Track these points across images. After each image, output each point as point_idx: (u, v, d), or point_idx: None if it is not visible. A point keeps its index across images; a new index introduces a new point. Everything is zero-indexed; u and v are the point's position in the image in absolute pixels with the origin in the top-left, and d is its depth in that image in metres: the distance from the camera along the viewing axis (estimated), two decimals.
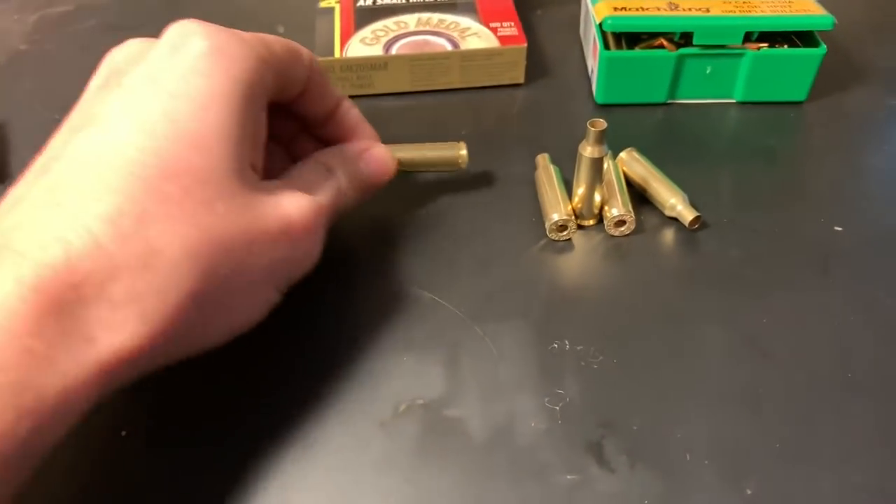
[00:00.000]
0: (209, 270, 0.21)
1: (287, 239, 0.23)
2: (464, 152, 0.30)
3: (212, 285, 0.21)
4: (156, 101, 0.21)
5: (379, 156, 0.29)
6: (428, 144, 0.31)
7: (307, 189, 0.25)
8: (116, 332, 0.19)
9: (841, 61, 0.39)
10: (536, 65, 0.39)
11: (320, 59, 0.36)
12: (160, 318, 0.20)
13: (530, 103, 0.37)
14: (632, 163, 0.32)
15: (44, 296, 0.18)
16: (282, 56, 0.25)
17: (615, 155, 0.32)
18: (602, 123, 0.28)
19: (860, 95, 0.37)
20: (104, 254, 0.19)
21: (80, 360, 0.18)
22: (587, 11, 0.38)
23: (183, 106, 0.21)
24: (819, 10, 0.34)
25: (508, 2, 0.40)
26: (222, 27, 0.23)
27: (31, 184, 0.20)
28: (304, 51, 0.27)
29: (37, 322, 0.18)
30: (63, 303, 0.18)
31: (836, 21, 0.34)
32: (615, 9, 0.35)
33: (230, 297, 0.22)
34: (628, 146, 0.32)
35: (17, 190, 0.21)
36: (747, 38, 0.34)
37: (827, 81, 0.37)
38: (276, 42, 0.25)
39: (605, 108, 0.37)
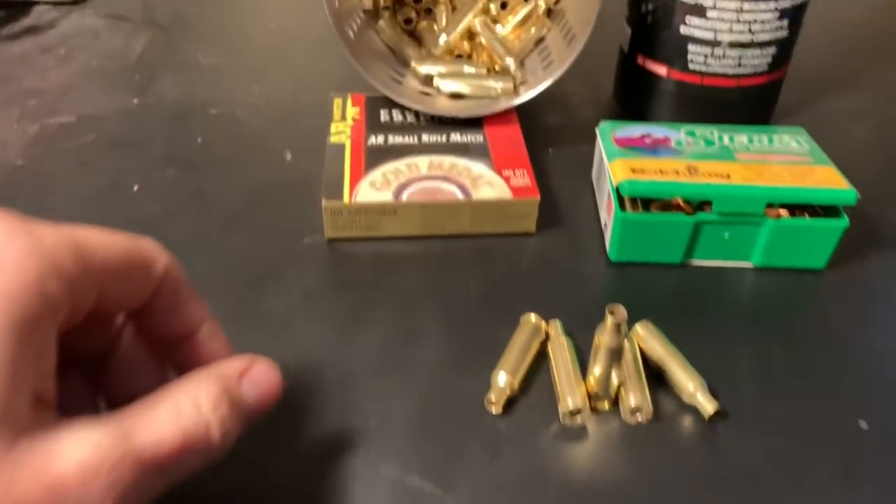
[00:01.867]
0: None
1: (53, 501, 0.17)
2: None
3: None
4: None
5: (264, 376, 0.23)
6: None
7: (134, 428, 0.19)
8: None
9: (861, 226, 0.38)
10: (548, 210, 0.38)
11: (327, 201, 0.35)
12: None
13: (541, 255, 0.36)
14: (648, 339, 0.30)
15: None
16: (109, 265, 0.20)
17: (630, 324, 0.31)
18: (622, 313, 0.26)
19: (882, 265, 0.36)
20: None
21: None
22: (601, 159, 0.37)
23: None
24: (842, 183, 0.33)
25: (521, 147, 0.39)
26: (15, 220, 0.19)
27: None
28: (161, 260, 0.22)
29: None
30: None
31: (858, 195, 0.33)
32: (633, 170, 0.34)
33: None
34: (642, 308, 0.31)
35: None
36: (767, 205, 0.34)
37: (847, 248, 0.36)
38: (105, 248, 0.20)
39: (618, 266, 0.35)
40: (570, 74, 0.49)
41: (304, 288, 0.34)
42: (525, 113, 0.44)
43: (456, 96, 0.42)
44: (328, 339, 0.31)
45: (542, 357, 0.31)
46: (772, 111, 0.45)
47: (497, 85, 0.41)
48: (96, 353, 0.24)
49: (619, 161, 0.35)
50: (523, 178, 0.37)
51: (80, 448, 0.18)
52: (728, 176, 0.34)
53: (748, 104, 0.42)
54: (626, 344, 0.29)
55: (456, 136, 0.39)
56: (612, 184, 0.35)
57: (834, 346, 0.32)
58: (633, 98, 0.45)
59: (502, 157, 0.38)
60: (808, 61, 0.51)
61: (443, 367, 0.30)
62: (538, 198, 0.36)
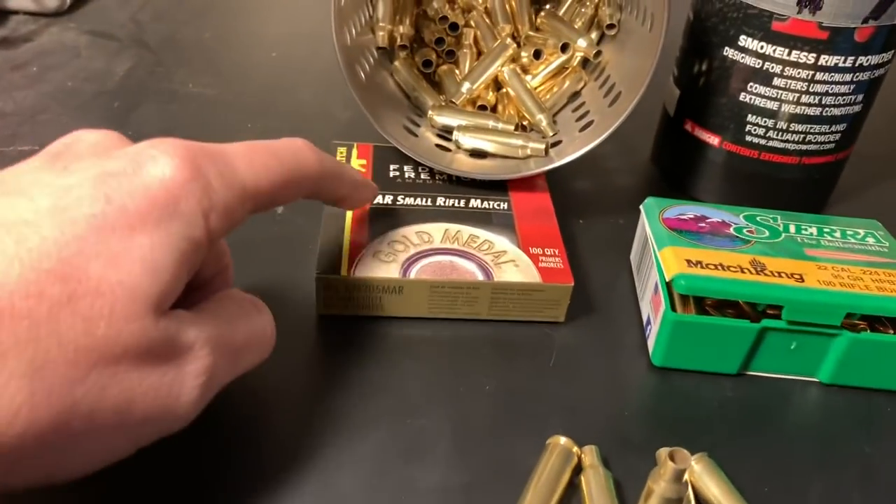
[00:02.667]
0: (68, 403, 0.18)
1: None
2: None
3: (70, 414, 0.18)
4: (86, 206, 0.19)
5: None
6: None
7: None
8: None
9: None
10: (579, 295, 0.33)
11: (321, 273, 0.29)
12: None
13: (572, 352, 0.30)
14: (704, 477, 0.25)
15: None
16: (266, 200, 0.24)
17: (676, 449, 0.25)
18: (685, 459, 0.21)
19: None
20: None
21: None
22: (647, 242, 0.32)
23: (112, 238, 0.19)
24: None
25: (552, 221, 0.33)
26: (203, 169, 0.21)
27: None
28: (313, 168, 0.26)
29: None
30: None
31: None
32: (688, 263, 0.28)
33: (75, 438, 0.18)
34: (690, 425, 0.25)
35: None
36: (846, 316, 0.28)
37: None
38: (266, 184, 0.23)
39: (662, 372, 0.30)
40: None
41: (283, 376, 0.28)
42: (550, 176, 0.38)
43: (477, 154, 0.37)
44: (306, 448, 0.25)
45: (571, 489, 0.25)
46: (830, 193, 0.40)
47: (527, 144, 0.36)
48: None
49: (670, 249, 0.29)
50: (555, 258, 0.31)
51: (188, 348, 0.20)
52: (802, 278, 0.28)
53: (809, 185, 0.37)
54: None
55: (476, 202, 0.34)
56: (661, 276, 0.29)
57: None
58: (677, 167, 0.40)
59: (530, 232, 0.32)
60: (866, 138, 0.46)
61: (450, 496, 0.24)
62: (571, 284, 0.30)
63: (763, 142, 0.36)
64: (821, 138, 0.35)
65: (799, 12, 0.32)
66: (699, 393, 0.29)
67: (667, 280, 0.28)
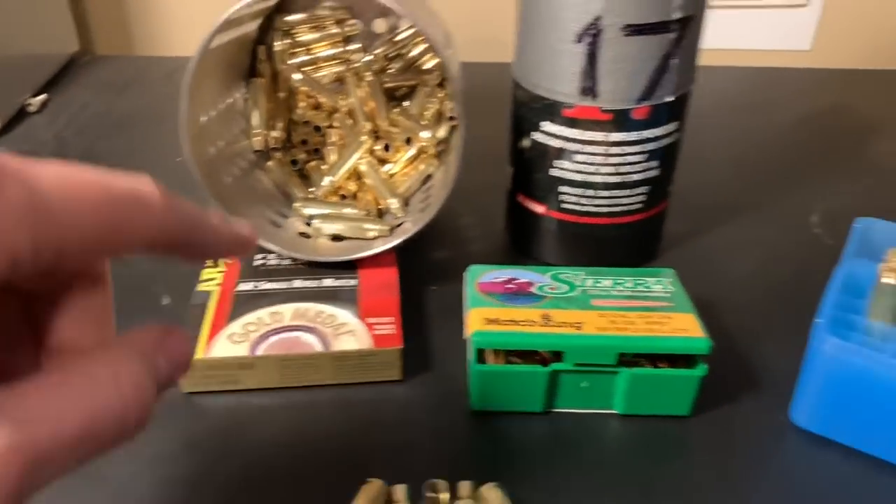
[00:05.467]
0: None
1: None
2: None
3: None
4: None
5: (179, 347, 0.20)
6: None
7: (34, 414, 0.16)
8: None
9: (734, 365, 0.38)
10: (421, 355, 0.38)
11: None
12: None
13: (405, 405, 0.35)
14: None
15: None
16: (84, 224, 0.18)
17: (484, 482, 0.30)
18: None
19: (751, 407, 0.35)
20: None
21: None
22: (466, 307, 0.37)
23: None
24: (696, 331, 0.33)
25: (394, 292, 0.39)
26: None
27: None
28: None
29: None
30: None
31: (712, 343, 0.33)
32: (487, 321, 0.34)
33: None
34: (504, 460, 0.30)
35: None
36: (623, 355, 0.33)
37: (716, 389, 0.36)
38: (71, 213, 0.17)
39: (481, 415, 0.35)
40: (465, 207, 0.50)
41: (155, 450, 0.33)
42: (412, 249, 0.44)
43: (336, 238, 0.43)
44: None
45: None
46: (657, 244, 0.45)
47: (374, 227, 0.42)
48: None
49: (475, 311, 0.35)
50: (389, 326, 0.36)
51: None
52: (580, 326, 0.33)
53: (627, 241, 0.43)
54: None
55: (329, 281, 0.39)
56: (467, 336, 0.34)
57: (695, 500, 0.31)
58: (519, 234, 0.45)
59: (371, 304, 0.38)
60: (702, 188, 0.52)
61: None
62: (400, 347, 0.35)
63: (578, 208, 0.41)
64: (627, 200, 0.41)
65: (583, 100, 0.38)
66: (511, 431, 0.34)
67: (467, 337, 0.33)
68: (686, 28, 0.36)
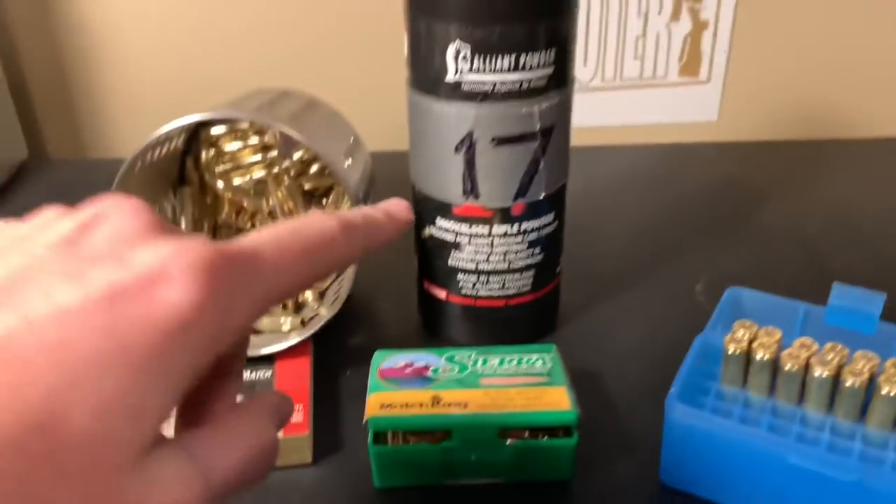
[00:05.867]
0: None
1: None
2: None
3: None
4: (89, 343, 0.18)
5: (289, 409, 0.27)
6: None
7: (214, 463, 0.21)
8: None
9: (611, 429, 0.42)
10: (331, 437, 0.42)
11: None
12: None
13: (314, 487, 0.39)
14: None
15: None
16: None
17: None
18: None
19: (626, 469, 0.39)
20: None
21: None
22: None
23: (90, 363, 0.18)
24: (565, 404, 0.38)
25: (305, 380, 0.43)
26: (226, 288, 0.20)
27: None
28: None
29: None
30: None
31: (580, 413, 0.37)
32: (382, 405, 0.38)
33: None
34: None
35: None
36: (500, 430, 0.37)
37: (597, 453, 0.40)
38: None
39: (385, 492, 0.38)
40: (380, 292, 0.54)
41: None
42: (329, 334, 0.48)
43: (255, 332, 0.47)
44: None
45: None
46: (554, 318, 0.50)
47: (287, 320, 0.46)
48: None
49: (374, 396, 0.39)
50: (298, 413, 0.40)
51: (173, 490, 0.19)
52: (466, 405, 0.38)
53: (523, 320, 0.47)
54: None
55: (246, 374, 0.43)
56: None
57: None
58: (429, 317, 0.50)
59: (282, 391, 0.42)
60: (600, 260, 0.57)
61: None
62: (306, 433, 0.39)
63: (474, 292, 0.46)
64: (517, 284, 0.46)
65: (467, 200, 0.43)
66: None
67: (364, 421, 0.37)
68: (549, 136, 0.41)
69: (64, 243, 0.20)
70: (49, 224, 0.21)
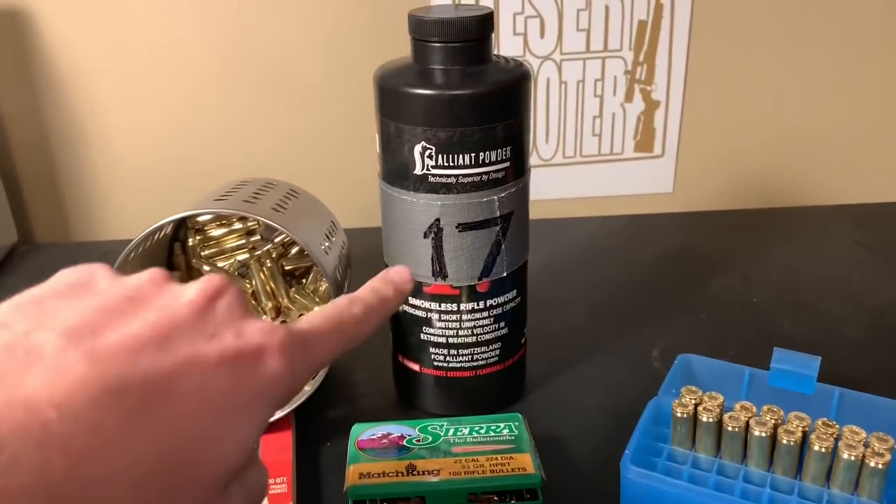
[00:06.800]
0: None
1: None
2: None
3: None
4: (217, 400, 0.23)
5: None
6: None
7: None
8: None
9: (575, 491, 0.45)
10: None
11: None
12: None
13: None
14: None
15: None
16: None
17: None
18: None
19: None
20: None
21: None
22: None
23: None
24: (530, 468, 0.41)
25: (287, 454, 0.46)
26: (295, 362, 0.26)
27: None
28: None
29: None
30: None
31: (543, 477, 0.40)
32: (360, 475, 0.41)
33: None
34: None
35: None
36: (470, 496, 0.40)
37: None
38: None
39: None
40: (357, 366, 0.57)
41: None
42: (309, 407, 0.50)
43: None
44: None
45: None
46: (521, 386, 0.53)
47: None
48: None
49: (353, 466, 0.42)
50: (282, 485, 0.43)
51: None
52: (438, 472, 0.41)
53: (492, 389, 0.51)
54: None
55: None
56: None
57: None
58: (404, 389, 0.53)
59: (267, 466, 0.44)
60: (563, 332, 0.61)
61: None
62: None
63: (445, 364, 0.49)
64: (484, 356, 0.49)
65: (436, 280, 0.47)
66: None
67: (344, 490, 0.40)
68: (509, 220, 0.46)
69: (198, 308, 0.25)
70: (162, 285, 0.26)
